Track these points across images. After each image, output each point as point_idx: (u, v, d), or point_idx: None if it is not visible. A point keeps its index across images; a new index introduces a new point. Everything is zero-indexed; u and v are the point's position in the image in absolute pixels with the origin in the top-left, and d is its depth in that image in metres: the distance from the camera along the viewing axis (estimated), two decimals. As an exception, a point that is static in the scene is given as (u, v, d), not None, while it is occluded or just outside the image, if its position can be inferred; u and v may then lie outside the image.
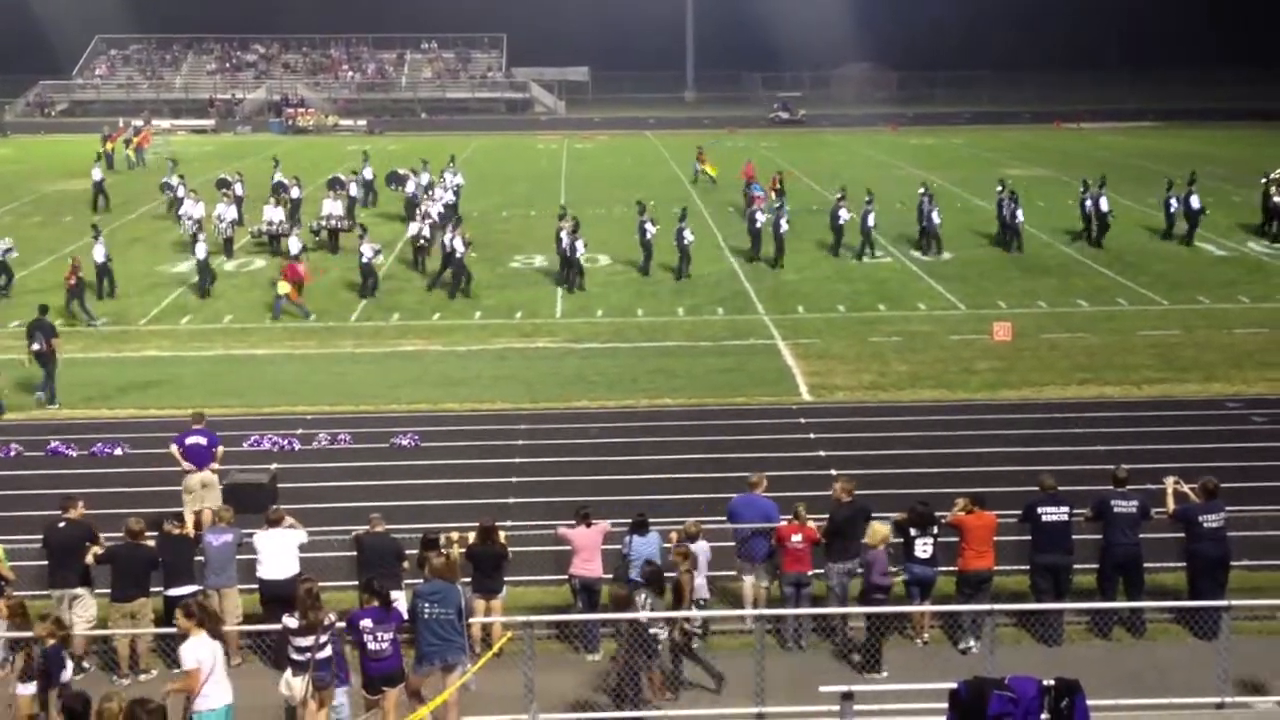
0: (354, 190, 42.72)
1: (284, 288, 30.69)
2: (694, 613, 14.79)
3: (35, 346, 24.06)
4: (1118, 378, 25.07)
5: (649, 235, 34.67)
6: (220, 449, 18.31)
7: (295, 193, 41.70)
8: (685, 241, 34.26)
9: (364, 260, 32.33)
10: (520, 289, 33.48)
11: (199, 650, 11.63)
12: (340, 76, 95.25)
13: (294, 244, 33.18)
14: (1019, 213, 37.36)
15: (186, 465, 17.94)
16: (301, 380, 25.51)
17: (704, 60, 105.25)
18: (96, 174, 33.80)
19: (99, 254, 32.20)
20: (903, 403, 23.85)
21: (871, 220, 36.46)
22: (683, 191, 49.43)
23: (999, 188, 39.38)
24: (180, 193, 41.48)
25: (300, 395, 24.37)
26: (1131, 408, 23.28)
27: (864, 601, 14.36)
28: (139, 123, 71.96)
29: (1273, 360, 26.07)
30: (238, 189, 41.76)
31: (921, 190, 39.03)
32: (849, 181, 43.18)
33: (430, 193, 40.63)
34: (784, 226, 35.60)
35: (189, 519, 17.37)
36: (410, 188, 42.14)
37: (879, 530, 14.50)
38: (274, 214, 37.99)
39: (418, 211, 37.11)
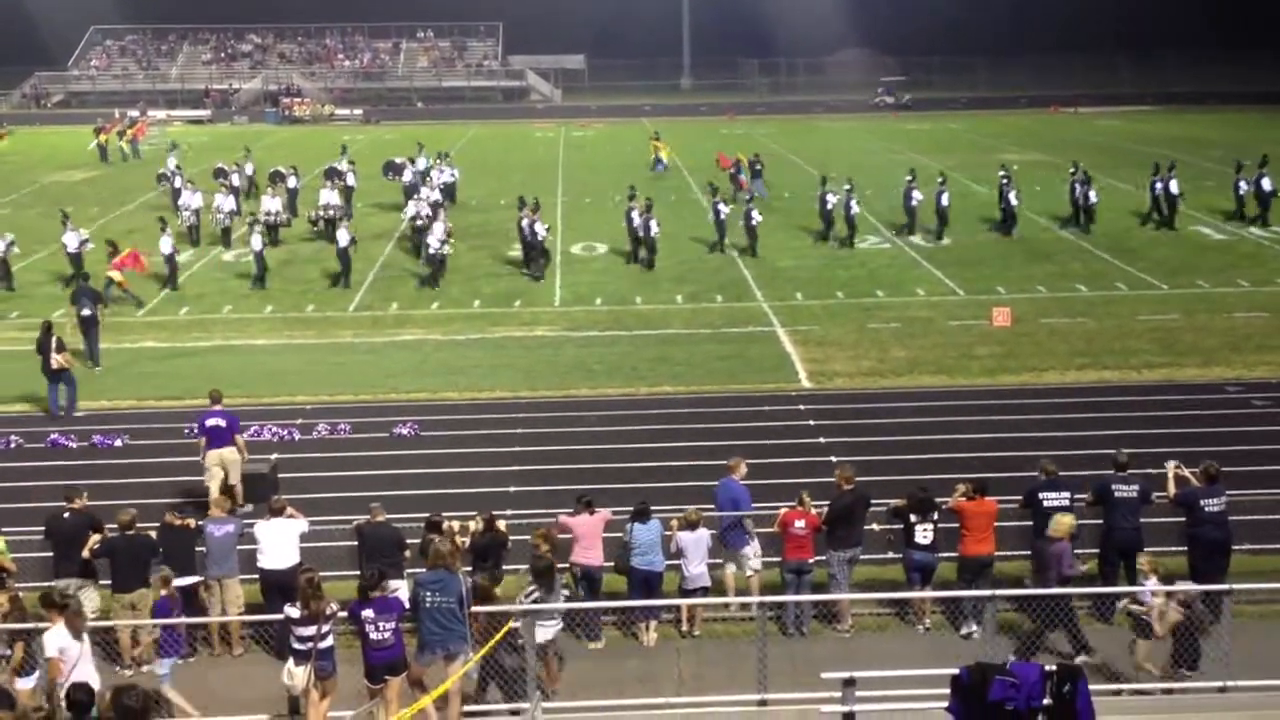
0: (351, 180, 42.63)
1: (116, 275, 30.33)
2: (697, 600, 14.84)
3: (85, 312, 25.21)
4: (1117, 362, 25.07)
5: (635, 223, 34.61)
6: (239, 433, 18.76)
7: (292, 182, 41.64)
8: (652, 232, 34.06)
9: (340, 246, 32.29)
10: (518, 278, 33.41)
11: (60, 639, 11.66)
12: (336, 66, 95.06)
13: (255, 241, 32.81)
14: (1011, 196, 37.39)
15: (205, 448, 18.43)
16: (301, 370, 25.49)
17: (700, 48, 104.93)
18: (166, 246, 32.51)
19: (71, 241, 31.86)
20: (902, 389, 23.85)
21: (855, 207, 36.42)
22: (680, 180, 49.35)
23: (1001, 172, 39.35)
24: (178, 183, 41.40)
25: (300, 385, 24.35)
26: (1132, 392, 23.29)
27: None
28: (135, 113, 71.84)
29: (1273, 344, 26.06)
30: (234, 179, 41.70)
31: (1002, 174, 38.97)
32: (850, 168, 43.14)
33: (429, 178, 40.42)
34: (756, 217, 35.26)
35: (214, 493, 17.52)
36: (407, 176, 42.05)
37: (1064, 522, 14.07)
38: (271, 204, 37.92)
39: (417, 193, 37.01)
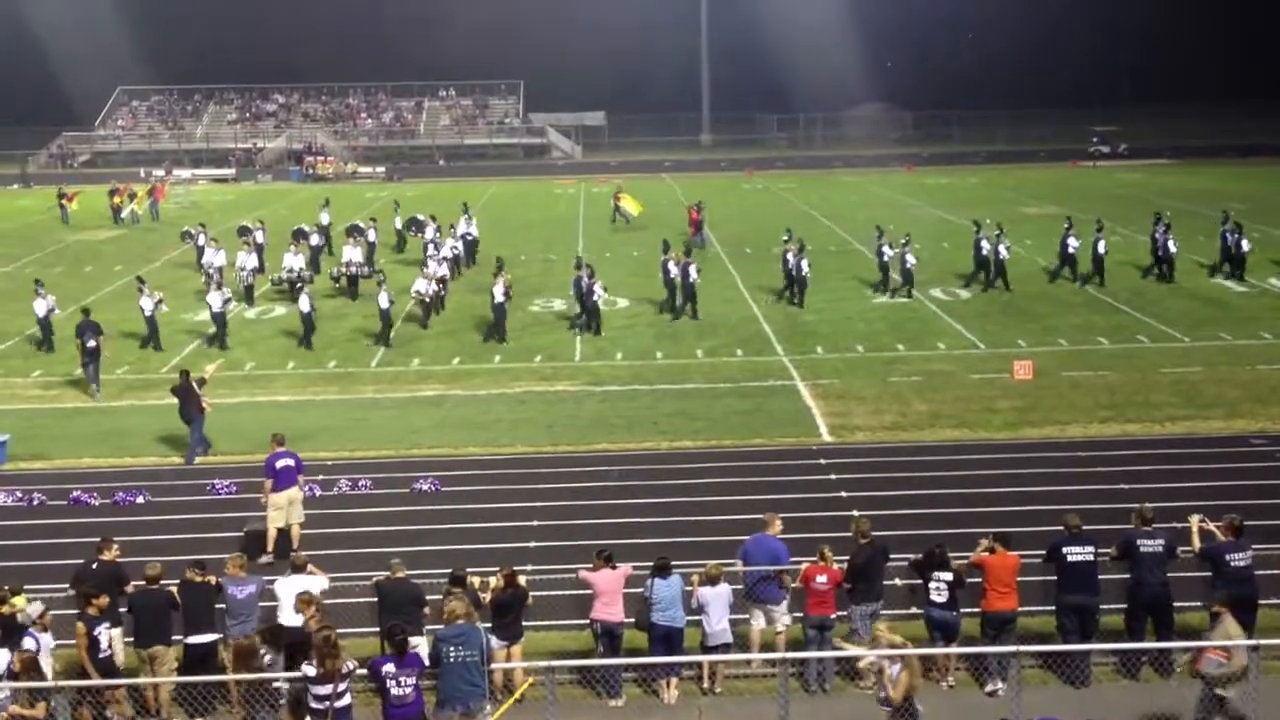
0: (372, 236, 42.96)
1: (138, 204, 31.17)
2: (718, 656, 14.72)
3: (91, 344, 27.75)
4: (1140, 415, 24.93)
5: (673, 275, 34.89)
6: (302, 472, 19.42)
7: (315, 240, 41.98)
8: (691, 279, 34.72)
9: (382, 308, 32.38)
10: (539, 333, 33.55)
11: None
12: (359, 124, 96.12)
13: (304, 301, 32.70)
14: (1072, 243, 37.85)
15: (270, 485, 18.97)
16: (322, 426, 25.56)
17: (719, 104, 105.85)
18: (146, 306, 31.31)
19: (40, 308, 31.97)
20: (924, 442, 23.75)
21: (911, 259, 36.86)
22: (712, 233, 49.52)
23: (975, 228, 39.53)
24: (201, 241, 41.80)
25: (321, 441, 24.41)
26: (1155, 445, 23.12)
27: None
28: (160, 173, 72.74)
29: (1296, 396, 25.90)
30: (258, 237, 42.07)
31: (1157, 220, 39.25)
32: (865, 222, 43.26)
33: (436, 248, 39.76)
34: (693, 276, 35.04)
35: (272, 535, 18.64)
36: (429, 233, 42.34)
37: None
38: (294, 261, 38.23)
39: (422, 270, 36.42)
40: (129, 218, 56.14)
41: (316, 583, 14.84)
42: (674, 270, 35.05)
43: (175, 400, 23.86)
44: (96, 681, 13.45)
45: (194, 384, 23.60)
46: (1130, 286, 37.28)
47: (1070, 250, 38.32)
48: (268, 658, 13.75)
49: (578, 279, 34.01)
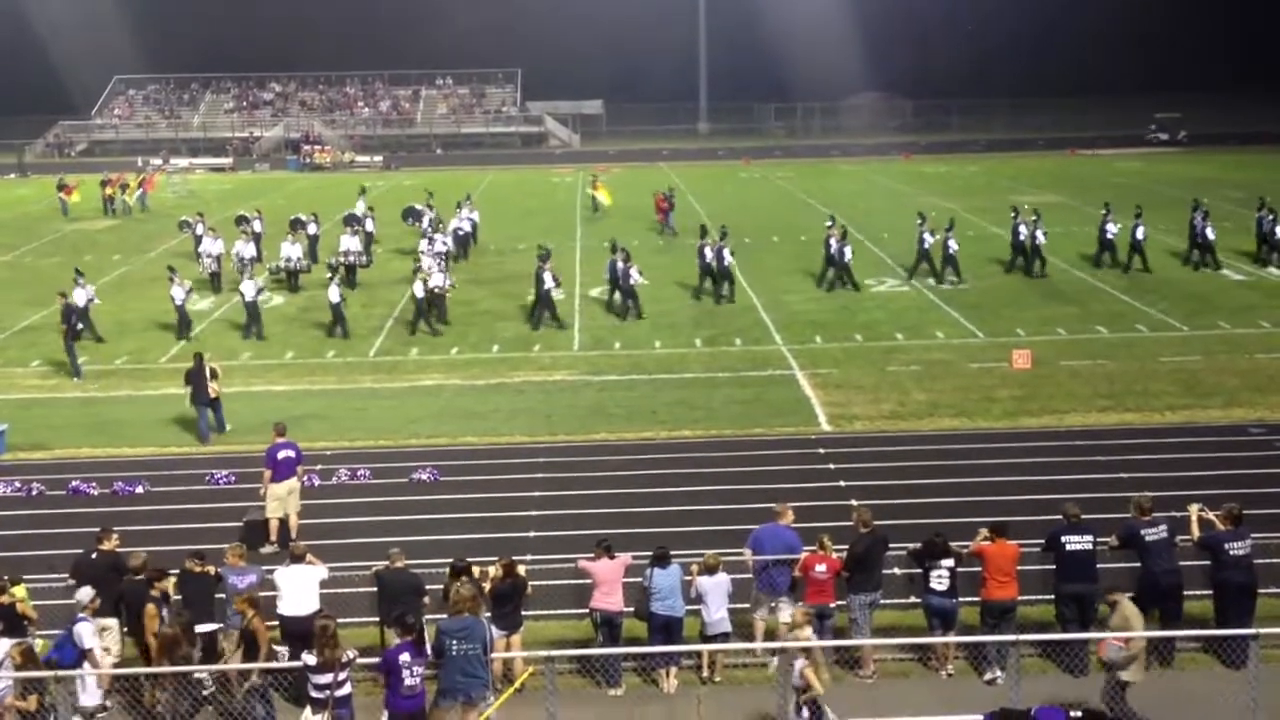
0: (370, 226, 42.88)
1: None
2: (717, 646, 14.73)
3: (80, 326, 29.25)
4: (1139, 404, 24.93)
5: (708, 258, 35.53)
6: (301, 463, 19.53)
7: (313, 229, 41.94)
8: (726, 262, 35.35)
9: (332, 302, 31.94)
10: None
11: None
12: (356, 113, 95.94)
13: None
14: (1039, 235, 37.72)
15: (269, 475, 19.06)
16: (321, 416, 25.55)
17: (717, 92, 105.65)
18: (178, 295, 32.29)
19: (80, 297, 31.96)
20: (923, 432, 23.76)
21: (953, 245, 37.13)
22: (697, 221, 49.44)
23: (1013, 213, 39.47)
24: (199, 230, 41.74)
25: (320, 431, 24.39)
26: (1154, 434, 23.15)
27: None
28: (158, 161, 72.63)
29: (1295, 385, 25.92)
30: (256, 226, 42.01)
31: (1196, 207, 39.30)
32: (865, 211, 43.25)
33: (431, 236, 39.14)
34: (728, 259, 35.82)
35: (273, 526, 18.77)
36: (426, 222, 42.27)
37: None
38: (292, 250, 38.18)
39: (418, 264, 36.15)
40: (120, 208, 55.97)
41: (316, 573, 14.85)
42: (709, 254, 35.52)
43: (186, 387, 24.13)
44: (88, 671, 13.46)
45: (206, 369, 23.80)
46: (1128, 276, 37.25)
47: (1109, 236, 38.52)
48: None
49: (612, 262, 34.24)
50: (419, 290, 32.13)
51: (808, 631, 12.74)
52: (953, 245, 37.25)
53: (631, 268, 33.67)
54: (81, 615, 13.76)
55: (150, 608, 13.95)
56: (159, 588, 14.19)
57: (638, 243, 41.92)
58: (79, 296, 31.81)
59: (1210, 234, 38.28)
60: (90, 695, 13.29)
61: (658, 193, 49.09)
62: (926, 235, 37.66)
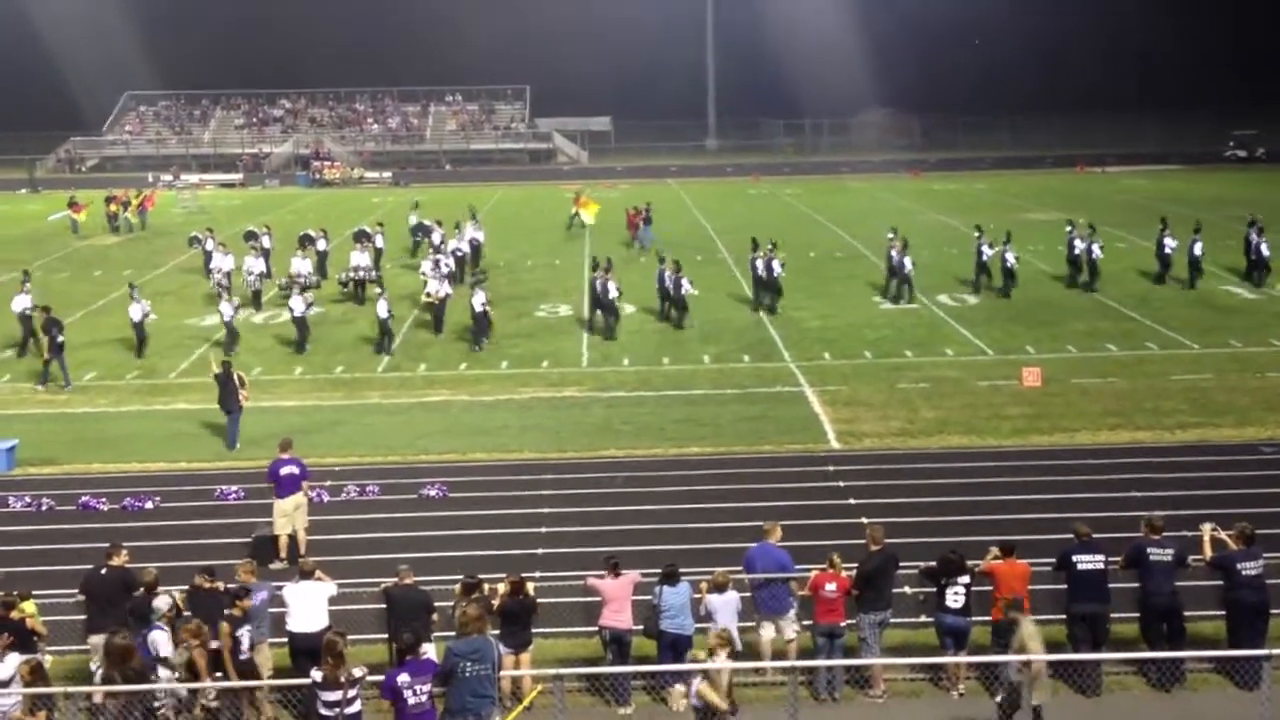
0: (380, 242, 42.97)
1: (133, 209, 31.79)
2: (728, 664, 14.66)
3: (61, 339, 29.25)
4: (1150, 423, 24.86)
5: (759, 270, 35.90)
6: (307, 478, 19.46)
7: (322, 245, 42.03)
8: (775, 274, 35.77)
9: (381, 318, 32.20)
10: (546, 338, 33.53)
11: None
12: (365, 129, 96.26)
13: (297, 304, 32.73)
14: (1095, 249, 38.04)
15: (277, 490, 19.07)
16: (329, 431, 25.57)
17: (725, 108, 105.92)
18: (226, 312, 32.36)
19: (135, 312, 32.14)
20: (932, 449, 23.70)
21: (1011, 258, 37.23)
22: (707, 237, 49.55)
23: (1069, 227, 39.75)
24: (209, 246, 41.84)
25: (328, 447, 24.41)
26: (1165, 453, 23.07)
27: None
28: (168, 177, 72.82)
29: (1306, 403, 25.83)
30: (265, 242, 42.09)
31: (1252, 223, 39.38)
32: (874, 228, 43.22)
33: (440, 251, 39.18)
34: (778, 271, 36.10)
35: (283, 543, 18.82)
36: (436, 238, 42.32)
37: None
38: (301, 266, 38.24)
39: (424, 273, 36.29)
40: (123, 225, 56.02)
41: (325, 589, 14.83)
42: (760, 267, 35.78)
43: (216, 390, 24.74)
44: (86, 689, 13.43)
45: (234, 377, 24.40)
46: (1137, 293, 37.20)
47: (1167, 251, 38.48)
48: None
49: (661, 272, 34.61)
50: (478, 304, 32.28)
51: (723, 655, 12.71)
52: (1010, 258, 37.23)
53: (682, 277, 33.84)
54: (158, 624, 13.72)
55: (224, 626, 13.80)
56: (240, 607, 13.99)
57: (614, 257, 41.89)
58: (134, 312, 32.11)
59: (1265, 250, 38.04)
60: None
61: (630, 208, 49.36)
62: (985, 248, 37.70)
